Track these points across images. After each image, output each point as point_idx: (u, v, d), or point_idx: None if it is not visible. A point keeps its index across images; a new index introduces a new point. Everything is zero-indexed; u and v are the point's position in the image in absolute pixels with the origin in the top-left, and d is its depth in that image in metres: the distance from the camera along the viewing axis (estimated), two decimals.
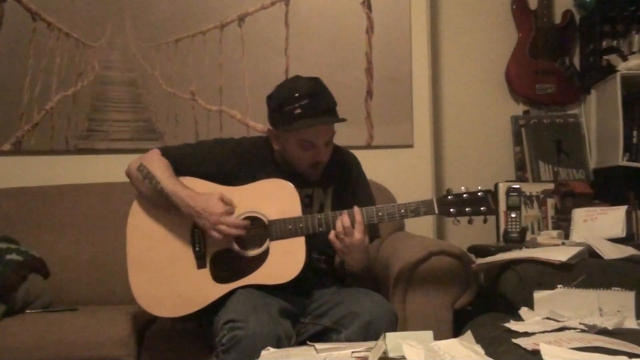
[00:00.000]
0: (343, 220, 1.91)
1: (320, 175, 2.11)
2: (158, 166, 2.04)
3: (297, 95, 1.97)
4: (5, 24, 2.93)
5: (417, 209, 1.94)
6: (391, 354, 1.47)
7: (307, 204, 2.09)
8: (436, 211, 1.94)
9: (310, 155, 2.03)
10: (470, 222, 1.96)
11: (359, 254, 1.96)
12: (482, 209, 1.94)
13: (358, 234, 1.91)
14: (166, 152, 2.11)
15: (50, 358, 2.04)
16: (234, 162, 2.10)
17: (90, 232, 2.68)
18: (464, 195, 1.95)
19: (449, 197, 1.95)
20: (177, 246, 2.03)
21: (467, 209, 1.94)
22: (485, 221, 1.96)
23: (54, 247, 2.63)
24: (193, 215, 1.97)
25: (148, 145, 2.74)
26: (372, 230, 2.09)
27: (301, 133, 1.99)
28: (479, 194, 1.95)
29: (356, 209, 1.93)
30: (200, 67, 2.97)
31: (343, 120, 2.03)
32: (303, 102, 1.96)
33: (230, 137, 2.25)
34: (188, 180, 2.05)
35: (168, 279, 2.01)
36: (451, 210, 1.94)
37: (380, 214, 1.94)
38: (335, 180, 2.15)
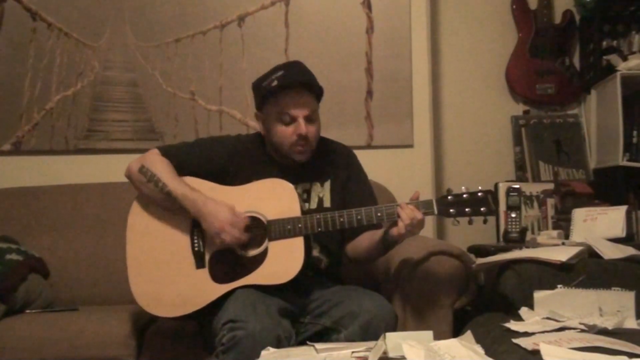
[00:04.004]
0: (415, 212, 1.88)
1: (317, 168, 2.11)
2: (161, 168, 2.04)
3: (273, 70, 2.04)
4: (5, 24, 2.93)
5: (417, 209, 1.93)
6: (391, 354, 1.47)
7: (305, 199, 2.10)
8: (436, 212, 1.93)
9: (291, 130, 2.03)
10: (470, 222, 1.95)
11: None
12: (482, 209, 1.92)
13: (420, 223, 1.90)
14: (166, 152, 2.10)
15: (50, 358, 2.04)
16: (231, 159, 2.11)
17: (90, 232, 2.68)
18: (464, 196, 1.94)
19: (449, 197, 1.94)
20: (176, 246, 2.03)
21: (466, 210, 1.93)
22: (485, 222, 1.95)
23: (54, 247, 2.63)
24: (199, 218, 1.98)
25: (148, 145, 2.73)
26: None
27: (279, 106, 2.01)
28: (479, 194, 1.94)
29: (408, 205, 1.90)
30: (200, 67, 2.98)
31: (320, 88, 2.05)
32: (278, 74, 2.01)
33: (227, 135, 2.26)
34: (188, 180, 2.05)
35: (167, 279, 2.01)
36: (451, 210, 1.93)
37: (379, 214, 1.93)
38: (333, 174, 2.15)
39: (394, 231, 1.91)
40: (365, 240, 2.08)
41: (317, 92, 2.07)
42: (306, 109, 2.03)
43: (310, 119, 2.05)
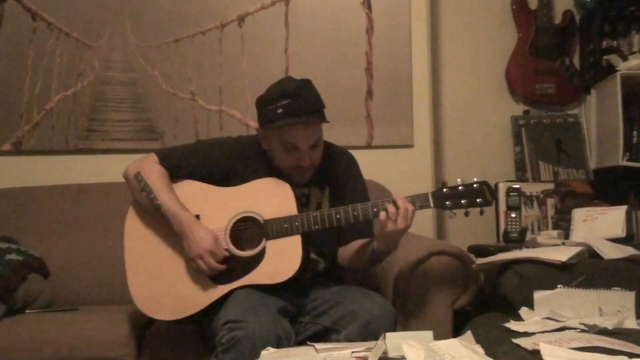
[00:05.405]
0: (406, 205, 1.87)
1: (318, 174, 2.10)
2: (156, 179, 2.03)
3: (280, 94, 1.96)
4: (5, 24, 2.93)
5: (412, 203, 1.91)
6: (391, 354, 1.47)
7: (303, 203, 2.08)
8: (431, 204, 1.93)
9: (293, 158, 2.00)
10: (466, 214, 1.94)
11: (398, 239, 1.94)
12: (478, 200, 1.92)
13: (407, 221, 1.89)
14: (164, 158, 2.09)
15: (50, 358, 2.04)
16: (231, 162, 2.10)
17: (90, 232, 2.68)
18: (460, 188, 1.93)
19: (444, 189, 1.94)
20: (174, 248, 2.02)
21: (462, 201, 1.92)
22: (481, 213, 1.95)
23: (54, 247, 2.63)
24: (182, 238, 1.97)
25: (148, 145, 2.75)
26: (367, 228, 2.09)
27: (283, 134, 1.97)
28: (475, 185, 1.93)
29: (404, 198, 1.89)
30: (200, 67, 2.97)
31: (325, 121, 2.00)
32: (284, 102, 1.94)
33: (227, 137, 2.25)
34: (185, 184, 2.06)
35: (166, 281, 2.01)
36: (447, 203, 1.92)
37: (375, 209, 1.93)
38: (333, 180, 2.14)
39: (376, 226, 1.89)
40: (355, 246, 2.08)
41: (323, 118, 2.01)
42: (311, 139, 1.99)
43: (315, 145, 2.01)
